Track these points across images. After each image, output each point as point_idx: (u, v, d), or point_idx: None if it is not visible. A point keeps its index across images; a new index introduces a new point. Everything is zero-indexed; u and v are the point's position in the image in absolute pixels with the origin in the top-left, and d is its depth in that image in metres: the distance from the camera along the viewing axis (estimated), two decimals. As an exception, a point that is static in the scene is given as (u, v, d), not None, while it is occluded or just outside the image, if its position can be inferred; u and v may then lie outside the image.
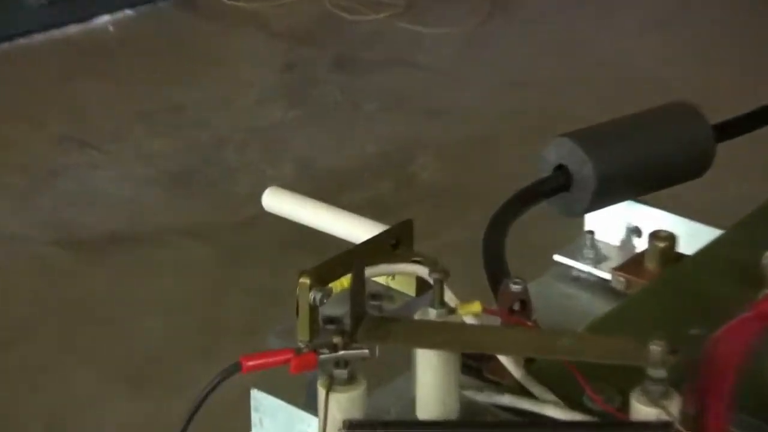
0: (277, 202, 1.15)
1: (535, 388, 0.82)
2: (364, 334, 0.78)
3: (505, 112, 3.27)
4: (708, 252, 1.02)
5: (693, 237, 1.10)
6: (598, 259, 1.17)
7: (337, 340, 0.77)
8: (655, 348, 0.73)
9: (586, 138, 1.08)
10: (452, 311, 0.82)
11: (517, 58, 3.58)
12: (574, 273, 1.18)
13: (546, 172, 1.09)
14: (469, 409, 0.82)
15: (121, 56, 3.62)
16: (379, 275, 0.96)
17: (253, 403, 0.92)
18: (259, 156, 3.06)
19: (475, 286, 0.94)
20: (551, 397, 0.81)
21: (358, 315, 0.79)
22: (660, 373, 0.73)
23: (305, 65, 3.55)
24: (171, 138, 3.17)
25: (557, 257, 1.19)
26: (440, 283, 0.81)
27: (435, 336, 0.79)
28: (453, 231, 2.38)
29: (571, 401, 0.81)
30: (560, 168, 1.07)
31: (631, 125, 1.14)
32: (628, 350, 0.76)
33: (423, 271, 0.92)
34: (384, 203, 2.75)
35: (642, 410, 0.73)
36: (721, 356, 0.77)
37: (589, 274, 1.17)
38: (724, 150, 1.17)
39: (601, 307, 1.08)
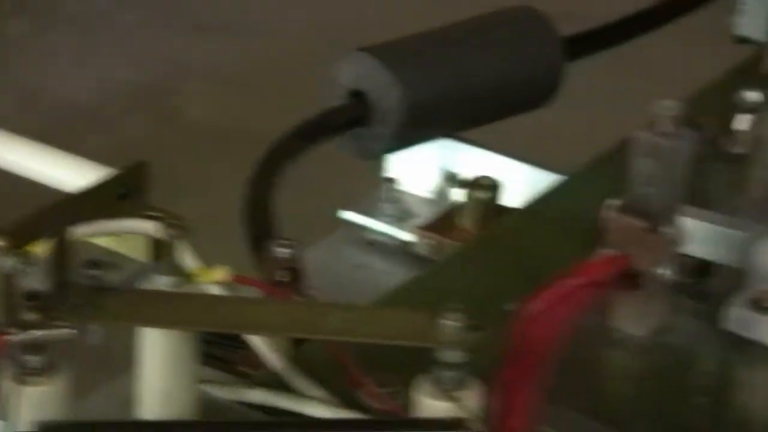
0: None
1: (298, 381, 0.84)
2: (69, 309, 0.78)
3: (299, 26, 3.36)
4: (539, 204, 1.06)
5: (525, 185, 1.14)
6: (402, 217, 1.20)
7: (31, 317, 0.77)
8: (449, 323, 0.74)
9: (393, 54, 1.11)
10: (190, 279, 0.83)
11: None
12: (369, 234, 1.22)
13: (339, 99, 1.11)
14: (211, 407, 0.84)
15: None
16: (99, 235, 0.94)
17: None
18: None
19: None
20: (318, 392, 0.83)
21: (62, 284, 0.80)
22: (454, 356, 0.75)
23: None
24: None
25: (346, 214, 1.22)
26: (174, 242, 0.83)
27: (162, 311, 0.81)
28: (225, 186, 2.41)
29: (348, 397, 0.83)
30: (357, 94, 1.10)
31: (453, 38, 1.17)
32: (414, 327, 0.77)
33: (155, 228, 0.91)
34: (137, 148, 2.76)
35: (428, 404, 0.75)
36: (533, 334, 0.80)
37: (389, 236, 1.20)
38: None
39: (402, 278, 1.10)
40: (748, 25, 1.14)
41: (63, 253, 0.82)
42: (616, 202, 0.88)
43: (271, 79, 2.93)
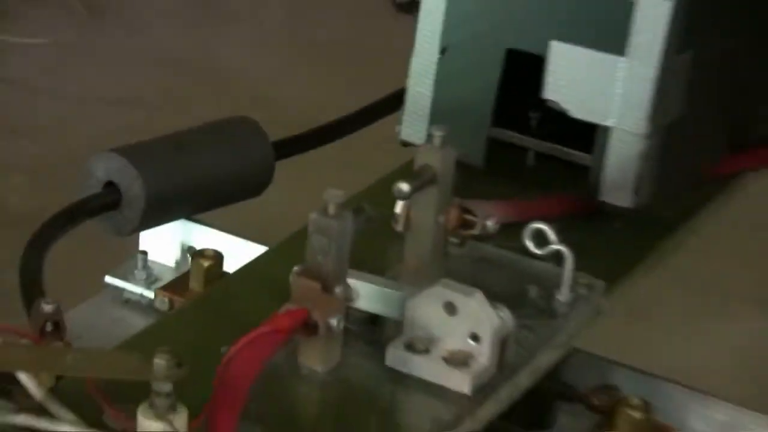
0: None
1: (54, 407, 0.82)
2: None
3: (111, 128, 3.23)
4: (248, 270, 1.05)
5: (242, 255, 1.14)
6: (151, 281, 1.20)
7: None
8: (160, 362, 0.75)
9: (137, 153, 1.10)
10: None
11: (120, 70, 3.57)
12: (126, 295, 1.21)
13: (95, 188, 1.09)
14: None
15: None
16: None
17: None
18: None
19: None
20: (70, 416, 0.82)
21: None
22: (166, 387, 0.75)
23: None
24: None
25: (108, 278, 1.21)
26: None
27: None
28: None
29: (95, 420, 0.82)
30: (109, 184, 1.08)
31: (187, 140, 1.16)
32: (132, 365, 0.78)
33: None
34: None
35: (147, 424, 0.76)
36: (234, 372, 0.80)
37: (141, 295, 1.19)
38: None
39: (146, 328, 1.09)
40: (409, 132, 1.17)
41: None
42: (298, 267, 0.88)
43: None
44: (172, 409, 0.77)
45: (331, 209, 0.87)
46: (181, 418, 0.77)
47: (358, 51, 3.85)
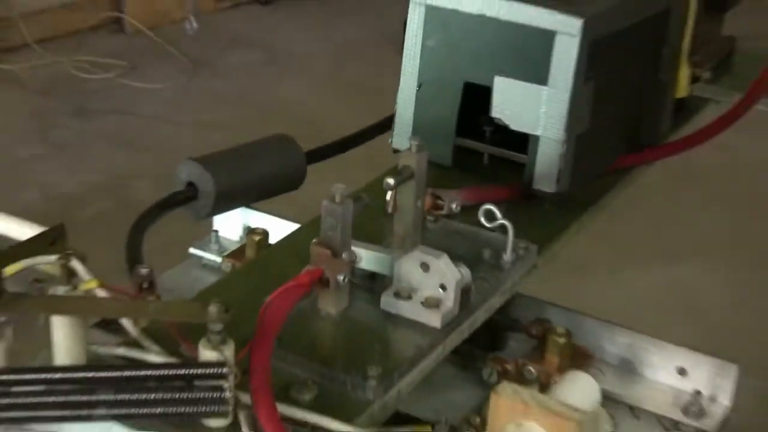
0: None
1: (146, 342, 0.82)
2: (1, 306, 0.77)
3: (204, 145, 3.28)
4: (284, 242, 1.04)
5: (283, 231, 1.11)
6: (222, 251, 1.17)
7: None
8: (213, 309, 0.73)
9: (208, 161, 1.08)
10: (75, 287, 0.80)
11: (212, 105, 3.57)
12: (204, 261, 1.19)
13: (180, 186, 1.08)
14: (95, 358, 0.81)
15: None
16: (25, 267, 0.89)
17: None
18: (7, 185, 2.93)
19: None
20: (156, 347, 0.81)
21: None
22: (217, 326, 0.74)
23: (49, 114, 3.44)
24: None
25: (192, 250, 1.19)
26: (65, 267, 0.80)
27: (60, 306, 0.78)
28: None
29: (173, 351, 0.81)
30: (190, 184, 1.07)
31: (243, 152, 1.14)
32: (195, 311, 0.77)
33: (50, 259, 0.87)
34: (106, 219, 2.69)
35: (205, 353, 0.74)
36: (270, 314, 0.79)
37: (215, 261, 1.17)
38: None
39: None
40: (398, 142, 1.15)
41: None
42: (316, 240, 0.87)
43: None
44: (223, 342, 0.75)
45: (337, 198, 0.85)
46: (229, 349, 0.75)
47: (376, 87, 3.87)
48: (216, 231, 1.20)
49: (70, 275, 0.85)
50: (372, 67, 3.94)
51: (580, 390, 0.87)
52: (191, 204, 1.07)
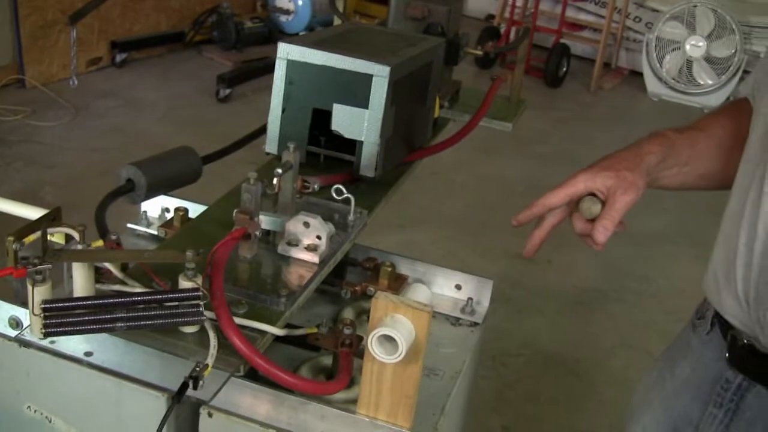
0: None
1: (129, 281, 0.85)
2: (47, 258, 0.79)
3: (95, 168, 3.31)
4: (201, 216, 1.07)
5: (193, 209, 1.15)
6: (148, 224, 1.20)
7: (35, 260, 0.78)
8: (189, 253, 0.80)
9: (140, 164, 1.05)
10: (89, 245, 0.84)
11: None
12: (137, 232, 1.21)
13: (122, 182, 1.04)
14: (99, 293, 0.83)
15: None
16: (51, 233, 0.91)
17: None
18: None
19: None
20: (136, 284, 0.85)
21: (45, 249, 0.81)
22: (191, 265, 0.80)
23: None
24: None
25: (129, 225, 1.21)
26: (82, 233, 0.85)
27: (87, 255, 0.81)
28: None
29: (149, 286, 0.83)
30: (129, 180, 1.05)
31: (161, 157, 1.09)
32: (177, 255, 0.81)
33: (59, 230, 0.90)
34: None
35: (183, 283, 0.79)
36: (218, 256, 0.84)
37: (145, 232, 1.20)
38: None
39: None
40: (269, 147, 1.16)
41: (44, 237, 0.81)
42: (238, 209, 0.91)
43: (79, 194, 2.80)
44: (195, 276, 0.81)
45: (252, 181, 0.91)
46: (199, 280, 0.80)
47: (201, 122, 4.04)
48: (145, 211, 1.23)
49: (68, 240, 0.87)
50: (196, 109, 4.14)
51: (420, 294, 0.95)
52: (130, 194, 1.07)
